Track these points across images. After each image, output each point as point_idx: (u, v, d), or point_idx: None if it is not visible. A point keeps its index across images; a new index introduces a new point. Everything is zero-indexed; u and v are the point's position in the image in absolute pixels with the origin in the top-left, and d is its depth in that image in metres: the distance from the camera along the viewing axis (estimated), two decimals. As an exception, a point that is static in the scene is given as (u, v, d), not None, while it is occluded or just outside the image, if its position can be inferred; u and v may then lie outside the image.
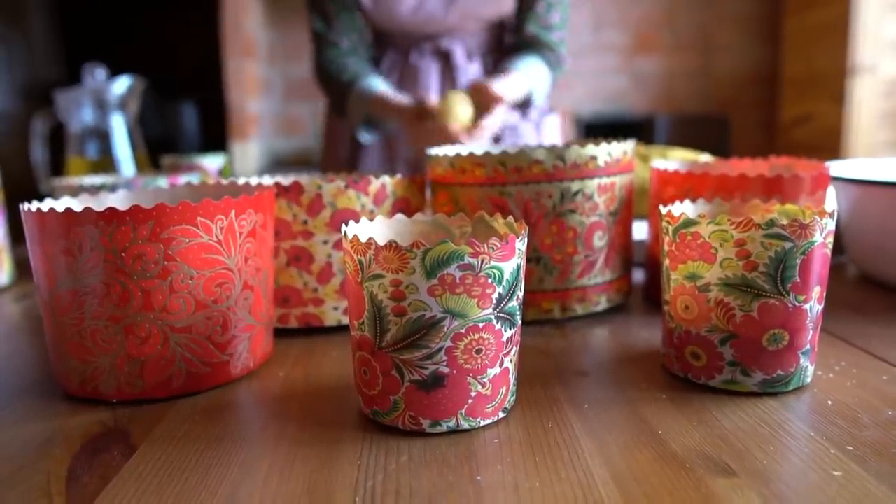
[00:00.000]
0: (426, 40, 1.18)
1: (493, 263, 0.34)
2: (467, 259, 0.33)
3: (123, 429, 0.38)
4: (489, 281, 0.34)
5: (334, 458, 0.33)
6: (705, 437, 0.35)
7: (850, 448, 0.33)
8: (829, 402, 0.38)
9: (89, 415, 0.39)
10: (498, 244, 0.34)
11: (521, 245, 0.36)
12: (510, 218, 0.40)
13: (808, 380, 0.41)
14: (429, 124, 0.95)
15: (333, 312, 0.52)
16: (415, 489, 0.30)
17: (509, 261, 0.35)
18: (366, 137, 1.17)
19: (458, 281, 0.33)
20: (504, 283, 0.35)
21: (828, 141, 2.52)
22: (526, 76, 1.09)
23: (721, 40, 2.77)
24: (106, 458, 0.34)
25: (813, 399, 0.39)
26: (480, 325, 0.34)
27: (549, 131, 1.28)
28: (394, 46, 1.20)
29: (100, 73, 1.06)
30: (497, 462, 0.33)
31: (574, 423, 0.37)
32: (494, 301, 0.34)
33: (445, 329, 0.34)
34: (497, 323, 0.35)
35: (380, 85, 1.09)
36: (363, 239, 0.36)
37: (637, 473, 0.31)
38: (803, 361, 0.40)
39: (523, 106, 1.17)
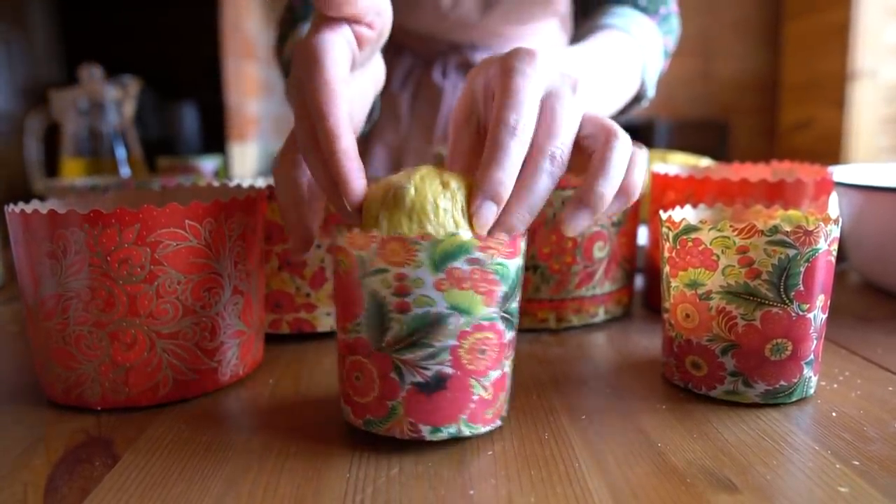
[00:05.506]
0: (453, 51, 0.91)
1: (499, 259, 0.33)
2: (476, 253, 0.32)
3: (107, 437, 0.36)
4: (495, 277, 0.33)
5: (322, 472, 0.32)
6: (706, 451, 0.33)
7: (857, 463, 0.32)
8: (834, 414, 0.37)
9: (72, 423, 0.38)
10: (505, 238, 0.33)
11: (523, 245, 0.35)
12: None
13: (812, 391, 0.40)
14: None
15: (326, 318, 0.51)
16: (405, 504, 0.29)
17: (514, 258, 0.34)
18: None
19: (466, 275, 0.32)
20: (510, 280, 0.34)
21: (828, 146, 2.51)
22: (626, 43, 0.64)
23: (721, 45, 2.77)
24: (87, 469, 0.33)
25: (817, 411, 0.38)
26: (485, 323, 0.33)
27: None
28: (412, 55, 0.93)
29: (95, 73, 1.05)
30: (491, 476, 0.32)
31: (571, 434, 0.36)
32: (499, 299, 0.34)
33: (451, 326, 0.33)
34: (500, 322, 0.34)
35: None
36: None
37: (636, 489, 0.30)
38: (807, 372, 0.39)
39: (631, 105, 0.73)
